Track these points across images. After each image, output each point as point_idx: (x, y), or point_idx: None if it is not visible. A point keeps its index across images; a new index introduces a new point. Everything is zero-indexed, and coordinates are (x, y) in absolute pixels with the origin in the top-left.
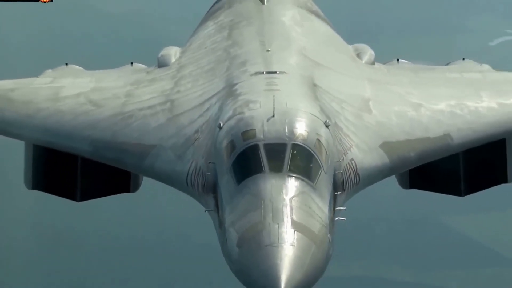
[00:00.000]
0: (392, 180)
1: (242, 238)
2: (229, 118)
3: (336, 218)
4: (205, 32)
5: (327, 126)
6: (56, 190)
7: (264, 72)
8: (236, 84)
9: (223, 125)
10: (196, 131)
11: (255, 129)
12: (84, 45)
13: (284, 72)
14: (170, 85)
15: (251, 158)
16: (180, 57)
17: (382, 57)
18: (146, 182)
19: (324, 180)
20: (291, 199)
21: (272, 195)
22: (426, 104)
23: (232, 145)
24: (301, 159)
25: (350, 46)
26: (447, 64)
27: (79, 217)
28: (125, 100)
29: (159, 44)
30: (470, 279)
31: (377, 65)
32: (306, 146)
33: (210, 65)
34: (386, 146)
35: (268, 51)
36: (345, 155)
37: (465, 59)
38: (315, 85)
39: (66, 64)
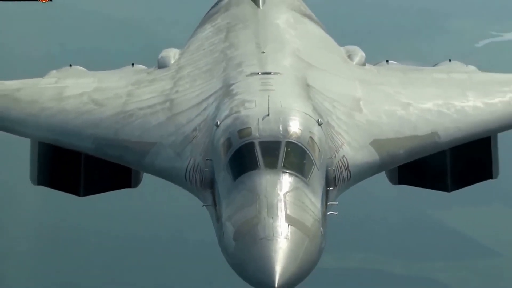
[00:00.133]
0: (382, 176)
1: (238, 232)
2: (226, 117)
3: (328, 213)
4: (203, 35)
5: (319, 125)
6: (60, 185)
7: (260, 73)
8: (233, 84)
9: (220, 124)
10: (194, 129)
11: (250, 128)
12: (88, 47)
13: (279, 73)
14: (169, 85)
15: (247, 155)
16: (179, 58)
17: (372, 58)
18: (146, 179)
19: (316, 176)
20: (285, 195)
21: (267, 191)
22: (414, 103)
23: (228, 142)
24: (294, 156)
25: (341, 48)
26: (434, 65)
27: (81, 214)
28: (127, 99)
29: (159, 46)
30: (456, 270)
31: (367, 66)
32: (299, 144)
33: (207, 66)
34: (376, 143)
35: (263, 52)
36: (337, 152)
37: (452, 60)
38: (308, 85)
39: (70, 65)
